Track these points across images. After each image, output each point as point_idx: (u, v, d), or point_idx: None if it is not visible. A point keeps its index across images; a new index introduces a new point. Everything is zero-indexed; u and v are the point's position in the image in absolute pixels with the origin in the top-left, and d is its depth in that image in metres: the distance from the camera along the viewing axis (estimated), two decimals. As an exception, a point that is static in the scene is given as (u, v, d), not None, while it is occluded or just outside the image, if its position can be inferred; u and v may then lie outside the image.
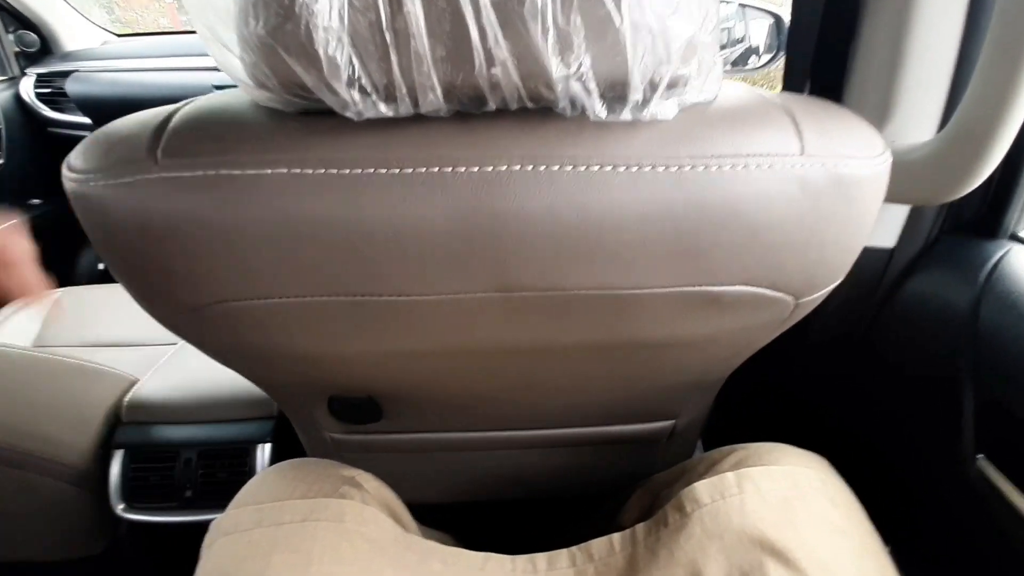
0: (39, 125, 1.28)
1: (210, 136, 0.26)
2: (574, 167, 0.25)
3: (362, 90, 0.24)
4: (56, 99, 1.28)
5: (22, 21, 1.28)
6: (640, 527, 0.43)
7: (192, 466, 0.66)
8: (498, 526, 0.81)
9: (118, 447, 0.67)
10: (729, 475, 0.41)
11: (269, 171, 0.25)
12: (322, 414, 0.54)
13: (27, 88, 1.28)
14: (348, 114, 0.25)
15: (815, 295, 0.33)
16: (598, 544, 0.43)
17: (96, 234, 0.28)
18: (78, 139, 1.25)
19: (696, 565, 0.37)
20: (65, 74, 1.27)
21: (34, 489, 0.61)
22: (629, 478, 0.71)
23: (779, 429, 0.54)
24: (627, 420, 0.58)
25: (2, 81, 1.28)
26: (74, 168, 0.28)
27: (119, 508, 0.66)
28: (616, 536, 0.43)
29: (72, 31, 1.36)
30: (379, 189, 0.25)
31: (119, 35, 1.47)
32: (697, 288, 0.28)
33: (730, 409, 0.73)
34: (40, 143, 1.29)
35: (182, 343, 0.85)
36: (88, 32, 1.40)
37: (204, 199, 0.25)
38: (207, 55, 1.35)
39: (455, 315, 0.29)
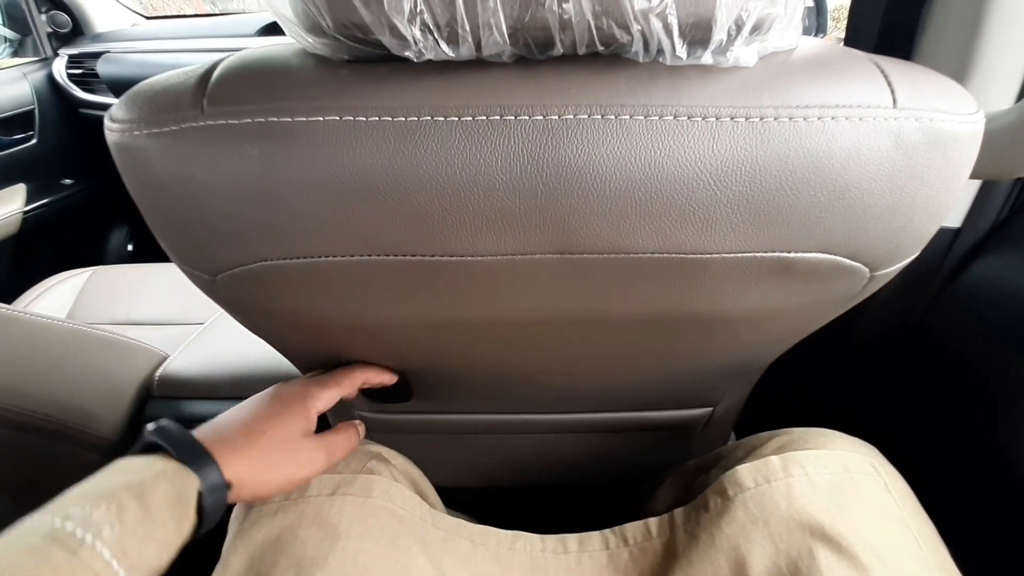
0: (71, 106, 1.30)
1: (257, 83, 0.25)
2: (646, 117, 0.23)
3: (424, 27, 0.22)
4: (87, 80, 1.29)
5: (54, 1, 1.29)
6: (678, 512, 0.41)
7: (221, 442, 0.66)
8: (523, 512, 0.80)
9: (149, 421, 0.67)
10: (774, 459, 0.39)
11: (320, 118, 0.23)
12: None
13: (59, 69, 1.30)
14: (407, 54, 0.23)
15: (890, 268, 0.30)
16: (633, 528, 0.42)
17: (137, 187, 0.27)
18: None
19: (739, 551, 0.35)
20: (96, 55, 1.28)
21: (67, 460, 0.62)
22: (661, 467, 0.69)
23: (818, 423, 0.51)
24: (665, 406, 0.56)
25: (36, 62, 1.30)
26: (116, 119, 0.27)
27: (150, 481, 0.66)
28: (652, 520, 0.42)
29: (102, 12, 1.37)
30: (436, 138, 0.23)
31: (148, 17, 1.48)
32: (771, 254, 0.26)
33: (765, 401, 0.71)
34: (72, 124, 1.30)
35: (210, 322, 0.85)
36: (118, 13, 1.41)
37: (252, 148, 0.24)
38: (236, 36, 1.35)
39: (509, 279, 0.27)
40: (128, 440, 0.67)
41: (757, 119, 0.23)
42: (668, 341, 0.36)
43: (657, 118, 0.23)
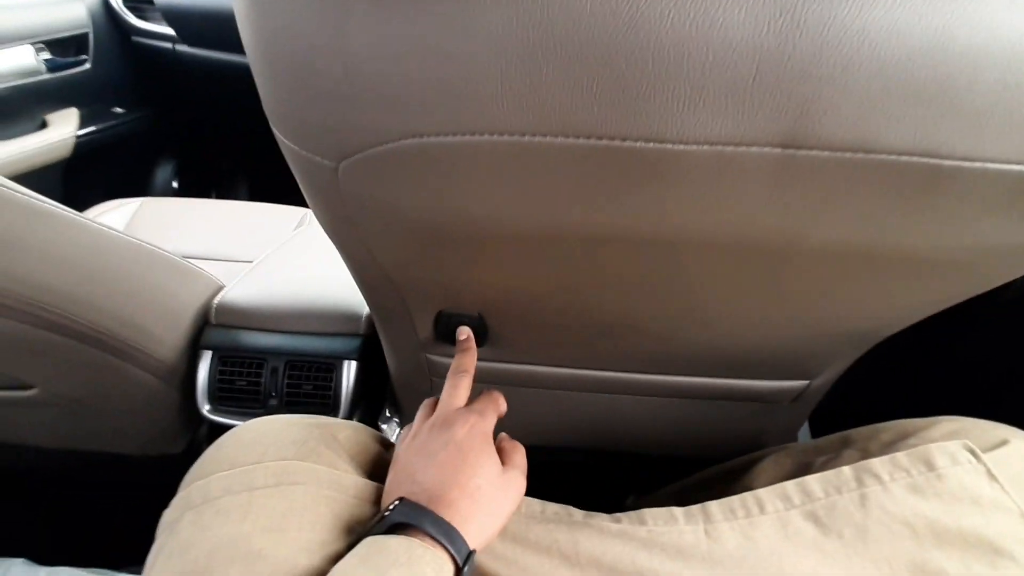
0: (124, 33, 1.27)
1: None
2: None
3: None
4: (141, 7, 1.26)
5: (113, -78, 1.25)
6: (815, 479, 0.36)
7: (279, 375, 0.64)
8: (581, 478, 0.77)
9: (206, 348, 0.65)
10: (846, 470, 0.35)
11: None
12: (424, 330, 0.50)
13: (115, -7, 1.26)
14: None
15: None
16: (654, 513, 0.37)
17: (264, 41, 0.23)
18: (162, 50, 1.21)
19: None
20: (152, -19, 1.24)
21: (126, 378, 0.60)
22: (733, 441, 0.65)
23: (907, 411, 0.46)
24: (763, 375, 0.51)
25: (91, -16, 1.27)
26: None
27: (205, 408, 0.65)
28: (789, 486, 0.36)
29: (160, -63, 1.32)
30: None
31: (204, -53, 1.43)
32: None
33: (850, 384, 0.65)
34: (126, 52, 1.28)
35: (260, 259, 0.83)
36: (175, -60, 1.36)
37: None
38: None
39: (709, 177, 0.22)
40: (185, 366, 0.65)
41: None
42: (827, 286, 0.32)
43: None
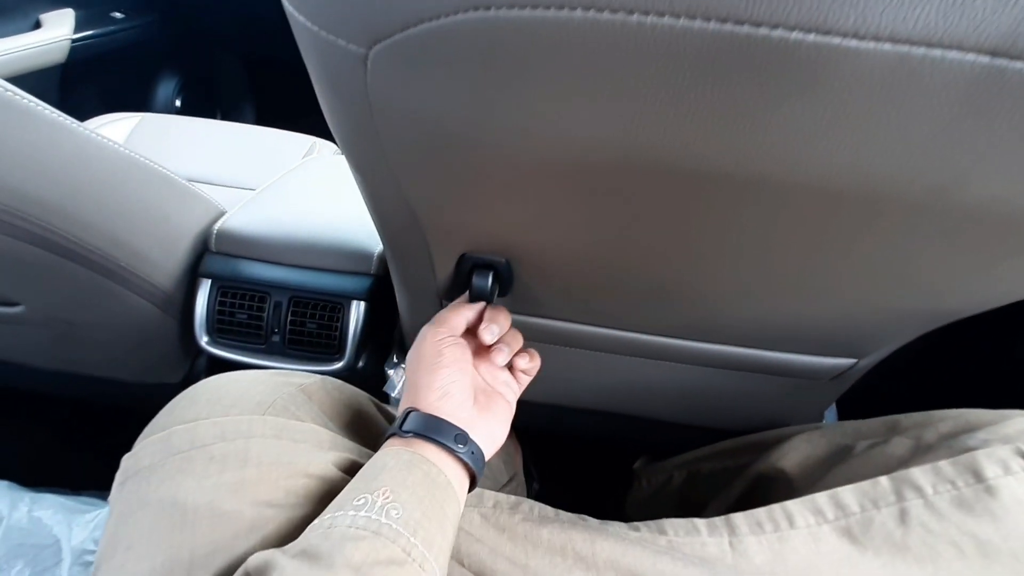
0: (124, -73, 1.15)
1: None
2: None
3: None
4: (143, -103, 1.14)
5: None
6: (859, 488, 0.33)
7: (282, 311, 0.60)
8: (593, 443, 0.75)
9: (205, 276, 0.61)
10: (883, 480, 0.32)
11: None
12: (443, 273, 0.45)
13: None
14: None
15: None
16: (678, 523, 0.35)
17: None
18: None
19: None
20: None
21: (119, 302, 0.56)
22: (756, 415, 0.62)
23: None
24: (810, 350, 0.47)
25: None
26: None
27: (203, 340, 0.61)
28: (849, 489, 0.33)
29: None
30: None
31: None
32: None
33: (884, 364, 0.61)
34: (124, -52, 1.17)
35: (264, 187, 0.77)
36: None
37: None
38: None
39: (875, 94, 0.16)
40: (183, 294, 0.61)
41: None
42: (934, 257, 0.26)
43: None
